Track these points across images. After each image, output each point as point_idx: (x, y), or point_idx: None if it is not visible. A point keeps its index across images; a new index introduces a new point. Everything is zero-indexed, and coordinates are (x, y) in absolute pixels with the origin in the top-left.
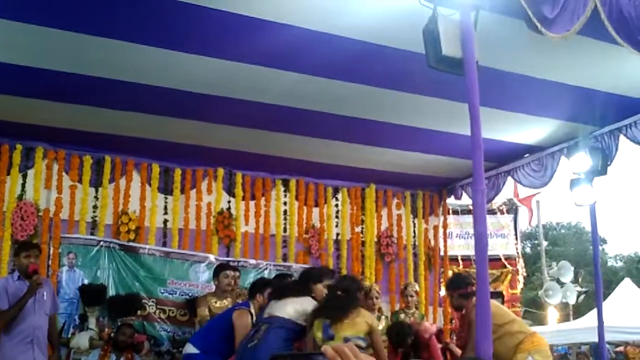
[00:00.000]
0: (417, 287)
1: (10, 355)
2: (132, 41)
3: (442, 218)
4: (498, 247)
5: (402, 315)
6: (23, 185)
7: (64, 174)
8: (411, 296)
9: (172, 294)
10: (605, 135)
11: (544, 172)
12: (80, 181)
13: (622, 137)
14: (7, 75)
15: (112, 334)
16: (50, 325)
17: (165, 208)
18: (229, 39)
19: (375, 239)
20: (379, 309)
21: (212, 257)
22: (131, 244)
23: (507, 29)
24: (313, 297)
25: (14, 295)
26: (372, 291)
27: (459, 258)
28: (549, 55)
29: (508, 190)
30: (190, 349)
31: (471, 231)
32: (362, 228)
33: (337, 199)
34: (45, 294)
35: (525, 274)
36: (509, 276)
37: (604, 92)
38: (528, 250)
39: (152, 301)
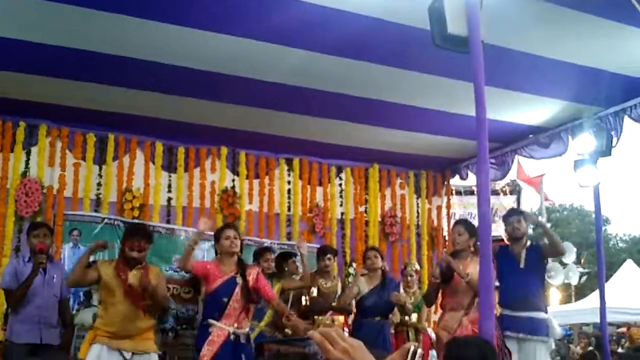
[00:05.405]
0: (417, 267)
1: (17, 333)
2: (135, 16)
3: (445, 198)
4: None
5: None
6: (27, 163)
7: (67, 151)
8: (411, 275)
9: (177, 272)
10: (610, 116)
11: (555, 147)
12: (83, 159)
13: (626, 118)
14: (10, 51)
15: None
16: (61, 309)
17: (169, 186)
18: (235, 14)
19: (379, 219)
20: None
21: None
22: (135, 221)
23: (513, 6)
24: None
25: (23, 275)
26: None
27: None
28: (555, 33)
29: (512, 171)
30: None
31: (474, 212)
32: (366, 208)
33: (340, 179)
34: (55, 276)
35: None
36: None
37: (610, 72)
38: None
39: None
